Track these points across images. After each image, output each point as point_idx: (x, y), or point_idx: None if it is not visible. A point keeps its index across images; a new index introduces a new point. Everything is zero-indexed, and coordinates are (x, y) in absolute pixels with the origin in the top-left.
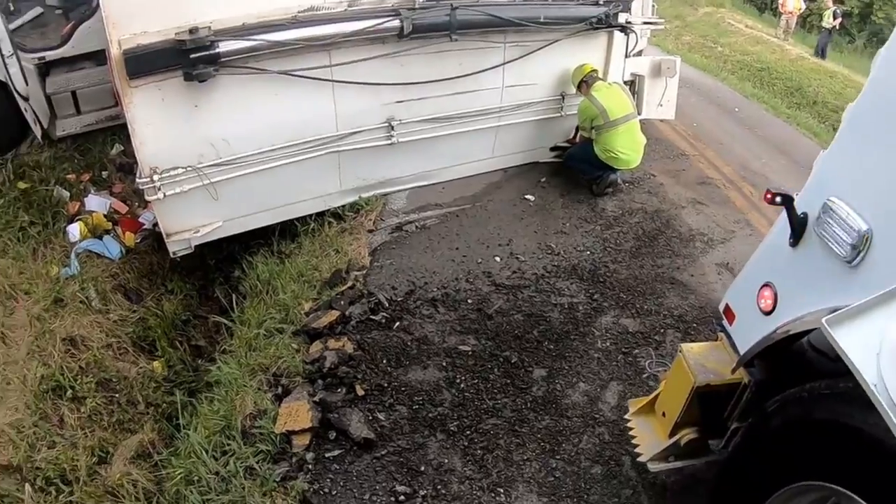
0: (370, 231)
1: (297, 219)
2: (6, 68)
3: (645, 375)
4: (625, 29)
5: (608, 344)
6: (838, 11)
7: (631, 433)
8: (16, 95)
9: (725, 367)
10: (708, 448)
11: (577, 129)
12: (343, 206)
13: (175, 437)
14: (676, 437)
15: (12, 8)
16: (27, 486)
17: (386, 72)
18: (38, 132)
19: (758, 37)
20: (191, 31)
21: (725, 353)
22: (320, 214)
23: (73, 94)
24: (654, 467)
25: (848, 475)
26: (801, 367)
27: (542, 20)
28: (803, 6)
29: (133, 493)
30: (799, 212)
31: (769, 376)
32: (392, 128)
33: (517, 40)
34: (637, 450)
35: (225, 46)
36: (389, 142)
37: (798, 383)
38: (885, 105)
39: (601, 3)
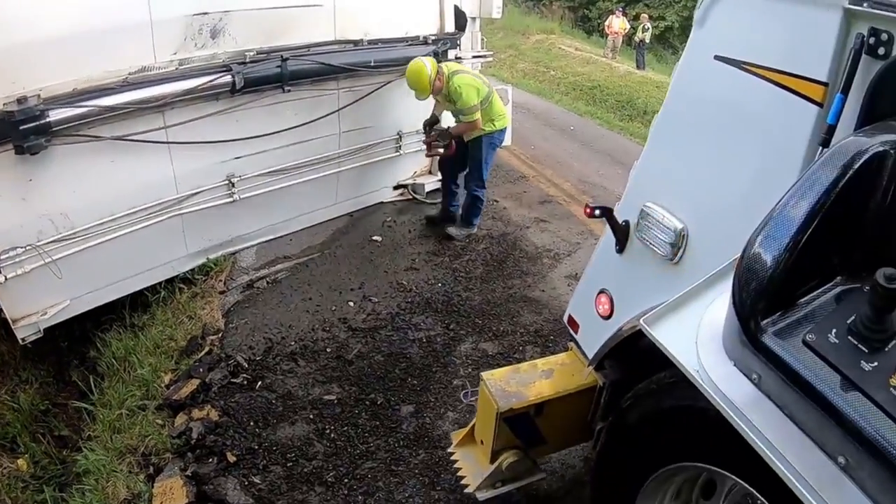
0: (222, 292)
1: (147, 288)
2: None
3: (461, 407)
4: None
5: (470, 370)
6: (647, 25)
7: (456, 465)
8: None
9: (528, 387)
10: (536, 466)
11: (444, 143)
12: (192, 269)
13: None
14: (497, 462)
15: None
16: None
17: (222, 129)
18: None
19: (587, 58)
20: (19, 101)
21: (528, 373)
22: (170, 281)
23: None
24: (482, 496)
25: (704, 451)
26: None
27: (372, 64)
28: (628, 26)
29: None
30: (620, 220)
31: (624, 375)
32: (233, 185)
33: (350, 86)
34: (463, 481)
35: (55, 115)
36: (231, 199)
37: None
38: (681, 114)
39: (430, 42)
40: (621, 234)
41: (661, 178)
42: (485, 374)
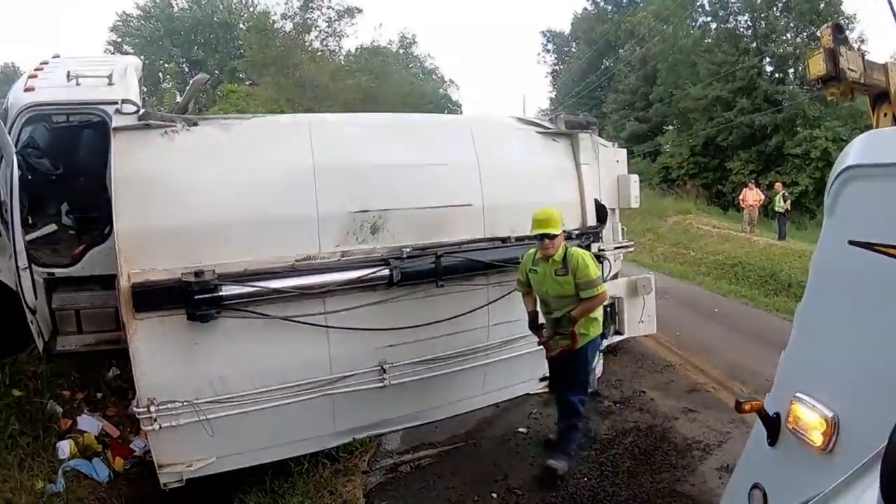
0: (365, 472)
1: (291, 458)
2: (20, 280)
3: None
4: (599, 258)
5: None
6: (786, 194)
7: None
8: (25, 307)
9: None
10: None
11: (567, 332)
12: (337, 446)
13: None
14: None
15: (30, 221)
16: None
17: (377, 317)
18: (39, 344)
19: (726, 234)
20: (196, 274)
21: None
22: (314, 454)
23: (77, 312)
24: None
25: None
26: None
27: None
28: (762, 197)
29: None
30: (771, 412)
31: None
32: (384, 370)
33: (499, 280)
34: None
35: (227, 290)
36: (382, 384)
37: None
38: (823, 302)
39: (573, 236)
40: (772, 427)
41: (809, 367)
42: None
